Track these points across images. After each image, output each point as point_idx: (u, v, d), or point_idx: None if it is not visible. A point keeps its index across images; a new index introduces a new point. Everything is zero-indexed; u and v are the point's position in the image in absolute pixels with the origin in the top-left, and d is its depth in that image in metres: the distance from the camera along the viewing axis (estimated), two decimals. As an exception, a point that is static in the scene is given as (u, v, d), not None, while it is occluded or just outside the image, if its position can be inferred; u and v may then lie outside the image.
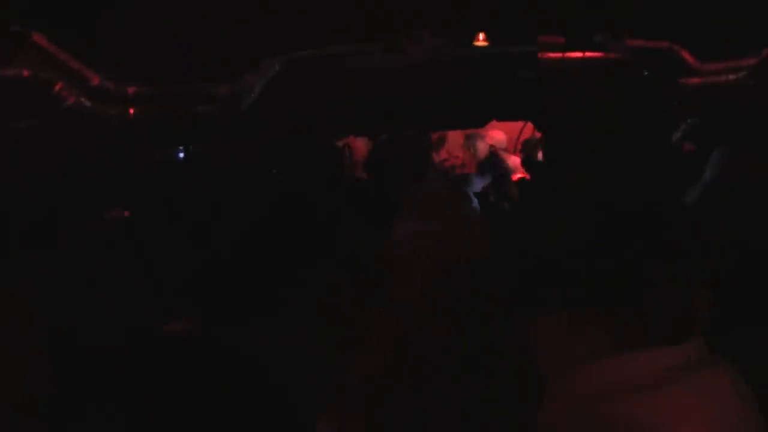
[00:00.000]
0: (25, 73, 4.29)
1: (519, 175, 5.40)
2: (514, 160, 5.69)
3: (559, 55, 4.91)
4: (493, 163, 5.49)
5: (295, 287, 1.74)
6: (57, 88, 4.41)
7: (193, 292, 1.78)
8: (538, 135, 5.71)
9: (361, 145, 6.23)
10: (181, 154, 5.11)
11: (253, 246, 1.84)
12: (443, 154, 6.32)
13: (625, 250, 1.15)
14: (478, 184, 5.13)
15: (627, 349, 1.08)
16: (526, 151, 5.68)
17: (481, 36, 4.82)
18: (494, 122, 5.83)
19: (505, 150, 5.92)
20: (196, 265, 1.88)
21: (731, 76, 4.76)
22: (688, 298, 1.14)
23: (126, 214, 3.96)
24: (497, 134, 5.95)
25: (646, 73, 4.90)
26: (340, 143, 5.45)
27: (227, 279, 1.73)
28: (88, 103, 4.59)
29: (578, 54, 4.90)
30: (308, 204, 2.24)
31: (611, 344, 1.09)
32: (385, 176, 2.74)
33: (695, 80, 4.87)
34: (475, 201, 4.40)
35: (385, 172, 2.74)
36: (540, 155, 5.38)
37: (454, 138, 6.59)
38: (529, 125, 5.77)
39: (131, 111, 4.71)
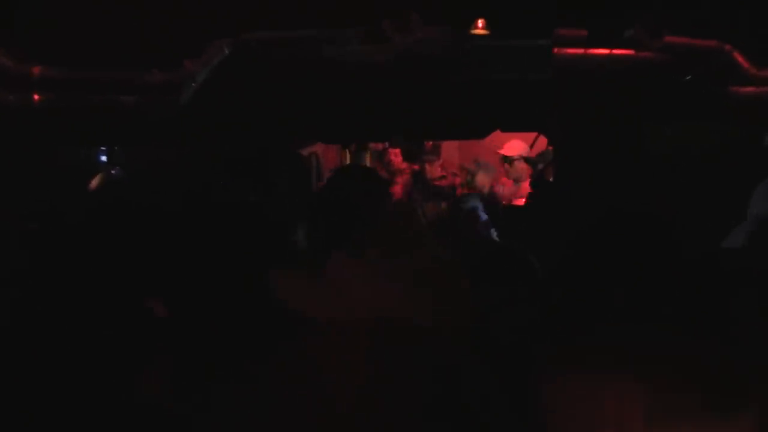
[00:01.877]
0: None
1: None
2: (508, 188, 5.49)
3: (580, 51, 4.56)
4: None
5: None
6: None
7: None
8: (550, 149, 5.34)
9: (333, 155, 6.04)
10: (103, 157, 4.59)
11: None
12: (437, 170, 5.96)
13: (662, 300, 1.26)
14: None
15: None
16: (535, 168, 5.31)
17: (480, 23, 4.42)
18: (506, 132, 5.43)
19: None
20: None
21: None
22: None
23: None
24: (516, 145, 5.60)
25: (688, 78, 4.54)
26: (305, 152, 5.22)
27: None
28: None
29: (604, 51, 4.57)
30: (265, 233, 2.22)
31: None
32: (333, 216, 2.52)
33: (749, 89, 4.53)
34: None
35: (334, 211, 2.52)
36: (550, 174, 5.03)
37: (461, 151, 6.36)
38: (542, 138, 5.37)
39: (35, 97, 4.25)
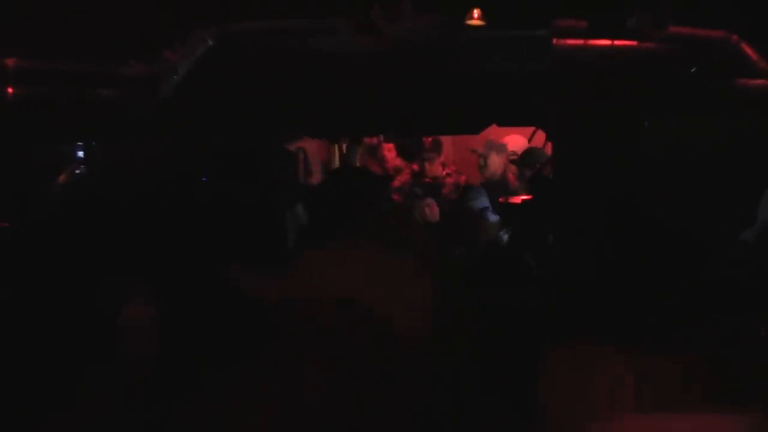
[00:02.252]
0: None
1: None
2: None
3: (579, 42, 4.48)
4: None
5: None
6: None
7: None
8: (536, 148, 5.34)
9: (321, 150, 5.99)
10: (80, 153, 4.58)
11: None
12: (438, 168, 5.88)
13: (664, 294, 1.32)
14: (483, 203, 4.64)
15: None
16: (531, 165, 5.12)
17: (476, 13, 4.34)
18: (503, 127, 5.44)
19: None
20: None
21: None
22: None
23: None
24: (516, 140, 5.61)
25: (693, 70, 4.46)
26: (292, 147, 5.13)
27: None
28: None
29: (605, 42, 4.48)
30: (247, 228, 2.38)
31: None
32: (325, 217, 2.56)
33: (758, 82, 4.43)
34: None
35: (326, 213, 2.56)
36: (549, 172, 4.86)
37: (455, 146, 6.25)
38: (541, 133, 5.32)
39: (9, 90, 4.21)
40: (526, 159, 5.20)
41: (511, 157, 5.50)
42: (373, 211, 2.59)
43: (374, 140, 5.81)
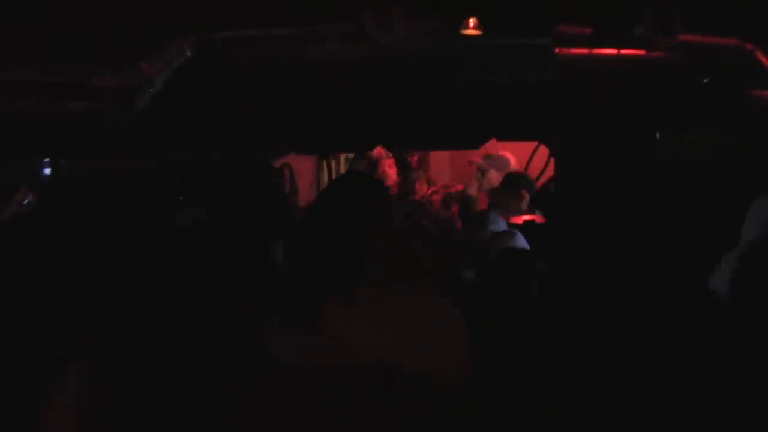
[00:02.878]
0: None
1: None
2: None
3: (584, 51, 4.40)
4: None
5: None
6: None
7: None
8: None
9: (309, 167, 5.93)
10: (47, 170, 4.49)
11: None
12: (423, 186, 5.83)
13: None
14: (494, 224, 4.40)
15: None
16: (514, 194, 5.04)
17: (472, 22, 4.23)
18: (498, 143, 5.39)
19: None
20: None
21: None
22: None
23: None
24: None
25: (705, 81, 4.42)
26: (277, 163, 5.06)
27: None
28: None
29: (611, 51, 4.41)
30: (227, 252, 2.23)
31: None
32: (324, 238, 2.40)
33: None
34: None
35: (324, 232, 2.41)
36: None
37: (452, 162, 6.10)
38: (543, 149, 5.26)
39: None
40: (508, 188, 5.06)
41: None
42: (385, 226, 2.45)
43: (376, 154, 5.67)
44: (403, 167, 5.75)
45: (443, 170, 6.27)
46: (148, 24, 4.15)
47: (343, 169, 6.15)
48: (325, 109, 4.65)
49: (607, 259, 3.28)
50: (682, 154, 4.40)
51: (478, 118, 4.71)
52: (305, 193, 5.67)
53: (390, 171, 5.73)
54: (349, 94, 4.62)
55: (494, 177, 5.39)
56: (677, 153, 4.39)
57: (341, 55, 4.48)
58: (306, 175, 6.01)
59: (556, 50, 4.40)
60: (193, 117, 4.48)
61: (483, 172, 5.44)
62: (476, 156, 5.51)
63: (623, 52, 4.37)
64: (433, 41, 4.43)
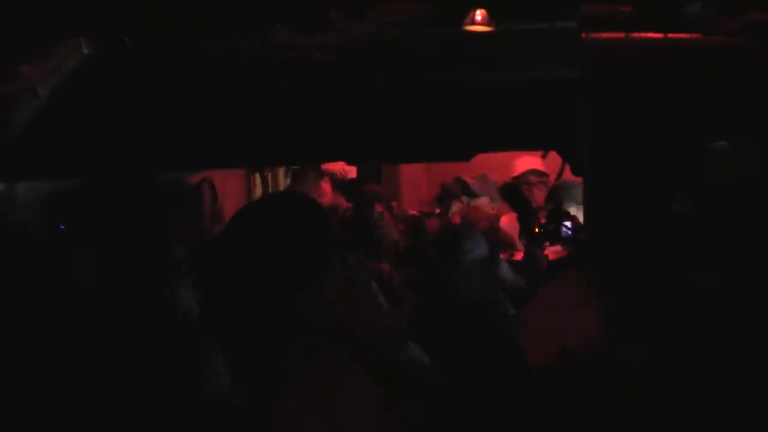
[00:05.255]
0: None
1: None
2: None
3: (620, 35, 4.11)
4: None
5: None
6: None
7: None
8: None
9: (235, 182, 5.80)
10: None
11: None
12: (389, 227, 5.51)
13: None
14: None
15: None
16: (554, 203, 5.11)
17: (479, 15, 4.05)
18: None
19: (545, 184, 5.50)
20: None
21: None
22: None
23: None
24: (528, 161, 5.52)
25: None
26: (194, 178, 5.04)
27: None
28: None
29: (655, 35, 4.13)
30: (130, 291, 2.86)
31: None
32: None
33: None
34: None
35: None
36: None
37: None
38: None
39: None
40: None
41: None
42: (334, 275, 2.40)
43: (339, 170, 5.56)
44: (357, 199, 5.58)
45: (419, 180, 6.12)
46: (34, 18, 3.97)
47: (282, 183, 6.07)
48: (262, 115, 4.50)
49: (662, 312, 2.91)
50: (746, 168, 4.18)
51: (469, 123, 4.54)
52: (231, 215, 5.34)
53: (326, 187, 5.64)
54: (294, 97, 4.48)
55: (484, 207, 5.34)
56: (742, 167, 4.17)
57: (289, 52, 4.34)
58: (234, 192, 5.84)
59: (582, 35, 4.13)
60: (89, 131, 4.37)
61: (471, 197, 5.41)
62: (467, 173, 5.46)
63: (671, 36, 4.10)
64: (410, 32, 4.30)
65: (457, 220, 5.36)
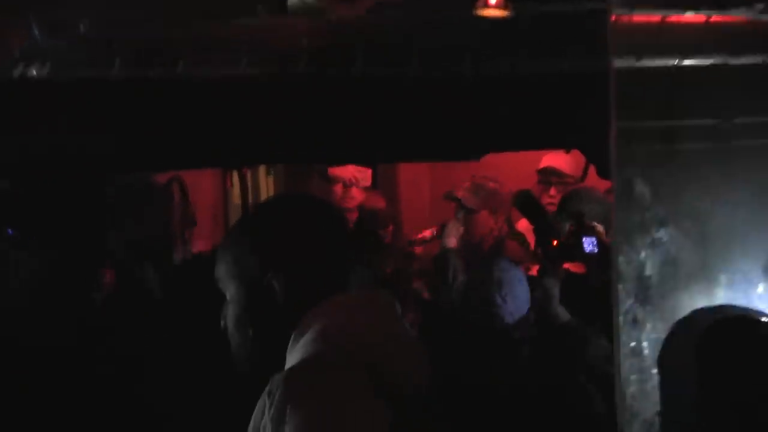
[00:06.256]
0: None
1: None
2: None
3: (655, 19, 3.96)
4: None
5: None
6: None
7: None
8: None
9: (210, 180, 5.87)
10: None
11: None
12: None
13: None
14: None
15: None
16: (570, 214, 4.83)
17: None
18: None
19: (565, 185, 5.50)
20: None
21: None
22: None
23: None
24: (554, 159, 5.57)
25: None
26: (162, 177, 4.98)
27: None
28: None
29: (696, 18, 4.01)
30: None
31: None
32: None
33: None
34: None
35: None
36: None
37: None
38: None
39: None
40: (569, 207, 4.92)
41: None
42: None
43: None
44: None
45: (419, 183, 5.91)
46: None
47: (263, 183, 5.96)
48: (240, 106, 4.37)
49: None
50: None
51: (477, 120, 4.49)
52: (208, 220, 5.53)
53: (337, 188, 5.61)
54: (275, 87, 4.40)
55: (483, 219, 5.24)
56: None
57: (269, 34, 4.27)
58: (207, 192, 5.73)
59: (612, 18, 3.88)
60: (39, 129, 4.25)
61: (466, 211, 5.28)
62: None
63: (714, 20, 3.98)
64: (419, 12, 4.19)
65: (453, 243, 5.29)
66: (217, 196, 5.94)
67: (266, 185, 6.06)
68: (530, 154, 5.72)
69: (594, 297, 4.23)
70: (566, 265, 4.61)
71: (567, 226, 4.76)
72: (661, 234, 3.61)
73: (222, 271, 2.32)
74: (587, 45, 4.13)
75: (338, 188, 5.78)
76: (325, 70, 4.31)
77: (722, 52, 4.06)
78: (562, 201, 5.28)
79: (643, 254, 3.57)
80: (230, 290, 2.30)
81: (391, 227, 5.87)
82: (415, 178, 6.35)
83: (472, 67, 4.38)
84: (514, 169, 5.84)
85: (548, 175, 5.71)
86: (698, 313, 3.19)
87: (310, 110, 4.41)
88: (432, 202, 6.32)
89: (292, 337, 2.18)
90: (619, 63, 3.87)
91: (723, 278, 3.56)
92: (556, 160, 5.64)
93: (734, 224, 3.66)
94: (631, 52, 4.01)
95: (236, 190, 5.83)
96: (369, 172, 5.97)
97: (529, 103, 4.40)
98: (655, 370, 3.48)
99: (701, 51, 4.07)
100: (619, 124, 3.85)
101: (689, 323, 3.15)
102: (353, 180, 5.70)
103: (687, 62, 4.12)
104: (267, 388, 2.06)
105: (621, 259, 3.56)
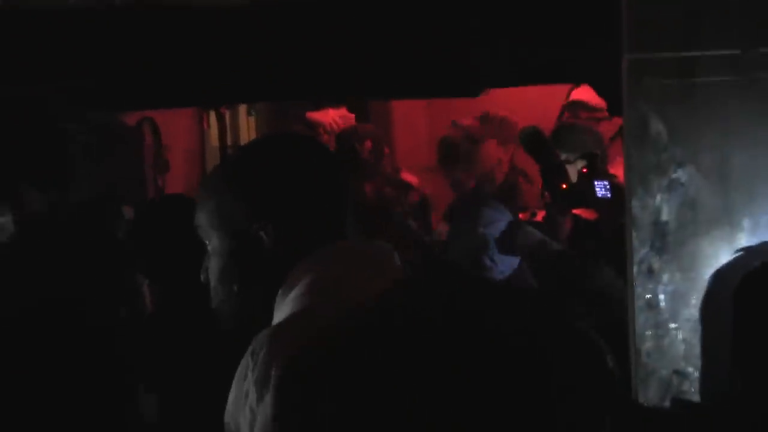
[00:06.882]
0: None
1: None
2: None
3: None
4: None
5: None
6: None
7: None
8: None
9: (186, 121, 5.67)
10: None
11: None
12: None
13: None
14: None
15: None
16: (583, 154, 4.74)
17: None
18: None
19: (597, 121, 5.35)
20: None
21: None
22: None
23: None
24: (584, 92, 5.41)
25: None
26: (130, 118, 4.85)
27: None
28: None
29: None
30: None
31: None
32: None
33: None
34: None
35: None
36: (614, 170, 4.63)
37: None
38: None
39: None
40: (564, 142, 4.80)
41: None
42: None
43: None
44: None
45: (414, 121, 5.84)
46: None
47: (244, 124, 5.85)
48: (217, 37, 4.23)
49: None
50: None
51: (478, 46, 4.34)
52: (183, 165, 5.41)
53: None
54: (259, 13, 4.19)
55: (490, 151, 5.06)
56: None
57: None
58: (182, 134, 5.62)
59: None
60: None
61: (473, 141, 5.09)
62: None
63: None
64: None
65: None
66: (193, 138, 5.87)
67: (247, 127, 5.96)
68: (545, 93, 5.63)
69: (606, 246, 4.19)
70: (576, 211, 4.52)
71: (580, 168, 4.67)
72: (679, 175, 3.48)
73: (202, 220, 2.22)
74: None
75: (319, 135, 5.72)
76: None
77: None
78: (555, 133, 5.17)
79: (659, 198, 3.46)
80: (212, 241, 2.21)
81: (368, 143, 5.75)
82: (410, 118, 6.28)
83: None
84: (526, 108, 5.73)
85: (576, 109, 5.57)
86: (740, 259, 3.22)
87: (292, 39, 4.27)
88: (428, 135, 6.26)
89: (280, 291, 2.10)
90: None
91: (746, 223, 3.44)
92: (586, 92, 5.47)
93: (758, 164, 3.51)
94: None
95: (214, 132, 5.81)
96: (352, 117, 5.92)
97: (529, 30, 4.26)
98: (673, 325, 3.44)
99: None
100: (630, 56, 3.71)
101: (731, 269, 3.11)
102: (334, 126, 5.64)
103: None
104: (250, 348, 1.98)
105: (635, 203, 3.47)
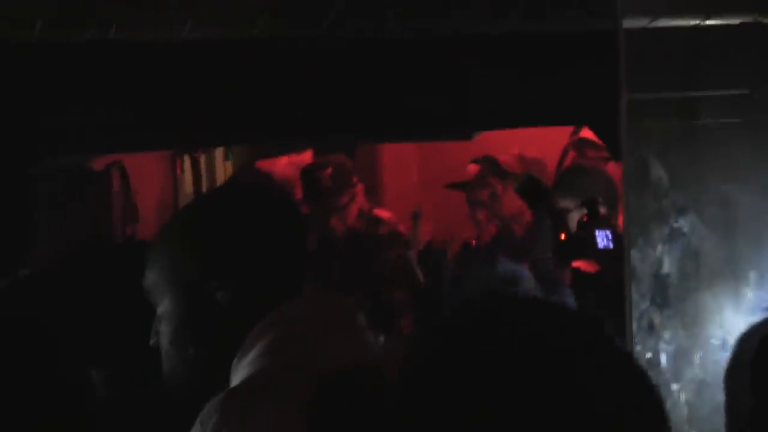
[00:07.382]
0: None
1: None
2: None
3: None
4: None
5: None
6: None
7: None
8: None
9: (157, 165, 5.96)
10: None
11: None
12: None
13: None
14: None
15: None
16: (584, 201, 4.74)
17: None
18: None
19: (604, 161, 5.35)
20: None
21: None
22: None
23: None
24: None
25: None
26: (99, 163, 4.97)
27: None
28: None
29: None
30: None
31: None
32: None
33: None
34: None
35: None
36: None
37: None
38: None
39: None
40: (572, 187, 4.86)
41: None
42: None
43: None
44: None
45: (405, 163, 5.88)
46: None
47: (221, 169, 5.87)
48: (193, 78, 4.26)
49: None
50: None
51: (472, 87, 4.42)
52: (154, 214, 5.46)
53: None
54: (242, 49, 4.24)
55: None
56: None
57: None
58: (153, 180, 5.65)
59: None
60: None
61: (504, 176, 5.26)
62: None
63: None
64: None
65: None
66: (165, 184, 5.93)
67: (224, 172, 5.99)
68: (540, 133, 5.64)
69: (609, 300, 4.13)
70: (576, 263, 4.55)
71: (581, 216, 4.68)
72: (681, 224, 3.49)
73: (154, 279, 2.16)
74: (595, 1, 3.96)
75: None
76: (285, 32, 4.13)
77: (752, 10, 3.79)
78: (560, 176, 5.21)
79: (659, 248, 3.46)
80: (164, 302, 2.15)
81: (329, 170, 5.69)
82: (401, 156, 6.42)
83: (457, 27, 4.24)
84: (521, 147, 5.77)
85: (583, 147, 5.52)
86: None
87: (270, 79, 4.29)
88: (419, 178, 6.44)
89: (238, 355, 2.04)
90: (629, 23, 3.74)
91: (753, 275, 3.46)
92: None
93: (765, 211, 3.53)
94: (645, 10, 3.80)
95: (188, 177, 5.87)
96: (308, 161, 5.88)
97: (526, 71, 4.30)
98: (675, 386, 3.39)
99: (727, 8, 3.81)
100: (631, 96, 3.71)
101: (753, 332, 3.10)
102: (283, 176, 5.58)
103: (710, 22, 3.83)
104: (200, 416, 1.90)
105: (634, 253, 3.45)
